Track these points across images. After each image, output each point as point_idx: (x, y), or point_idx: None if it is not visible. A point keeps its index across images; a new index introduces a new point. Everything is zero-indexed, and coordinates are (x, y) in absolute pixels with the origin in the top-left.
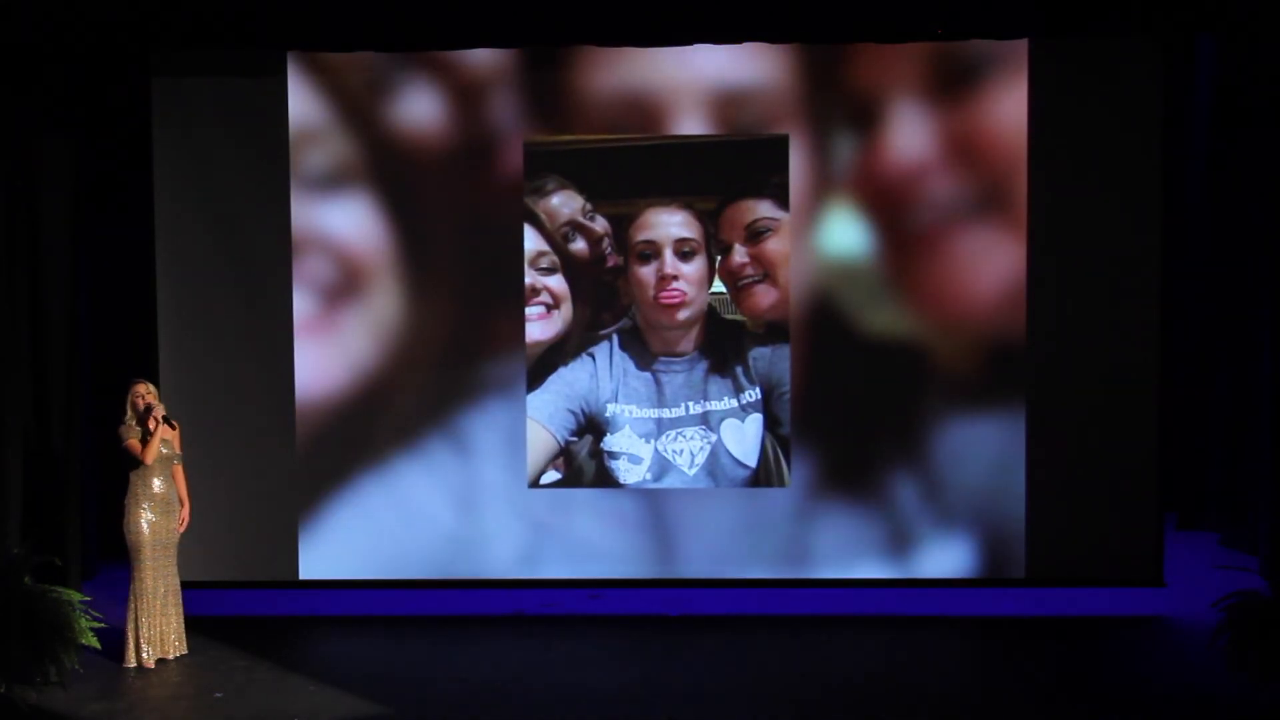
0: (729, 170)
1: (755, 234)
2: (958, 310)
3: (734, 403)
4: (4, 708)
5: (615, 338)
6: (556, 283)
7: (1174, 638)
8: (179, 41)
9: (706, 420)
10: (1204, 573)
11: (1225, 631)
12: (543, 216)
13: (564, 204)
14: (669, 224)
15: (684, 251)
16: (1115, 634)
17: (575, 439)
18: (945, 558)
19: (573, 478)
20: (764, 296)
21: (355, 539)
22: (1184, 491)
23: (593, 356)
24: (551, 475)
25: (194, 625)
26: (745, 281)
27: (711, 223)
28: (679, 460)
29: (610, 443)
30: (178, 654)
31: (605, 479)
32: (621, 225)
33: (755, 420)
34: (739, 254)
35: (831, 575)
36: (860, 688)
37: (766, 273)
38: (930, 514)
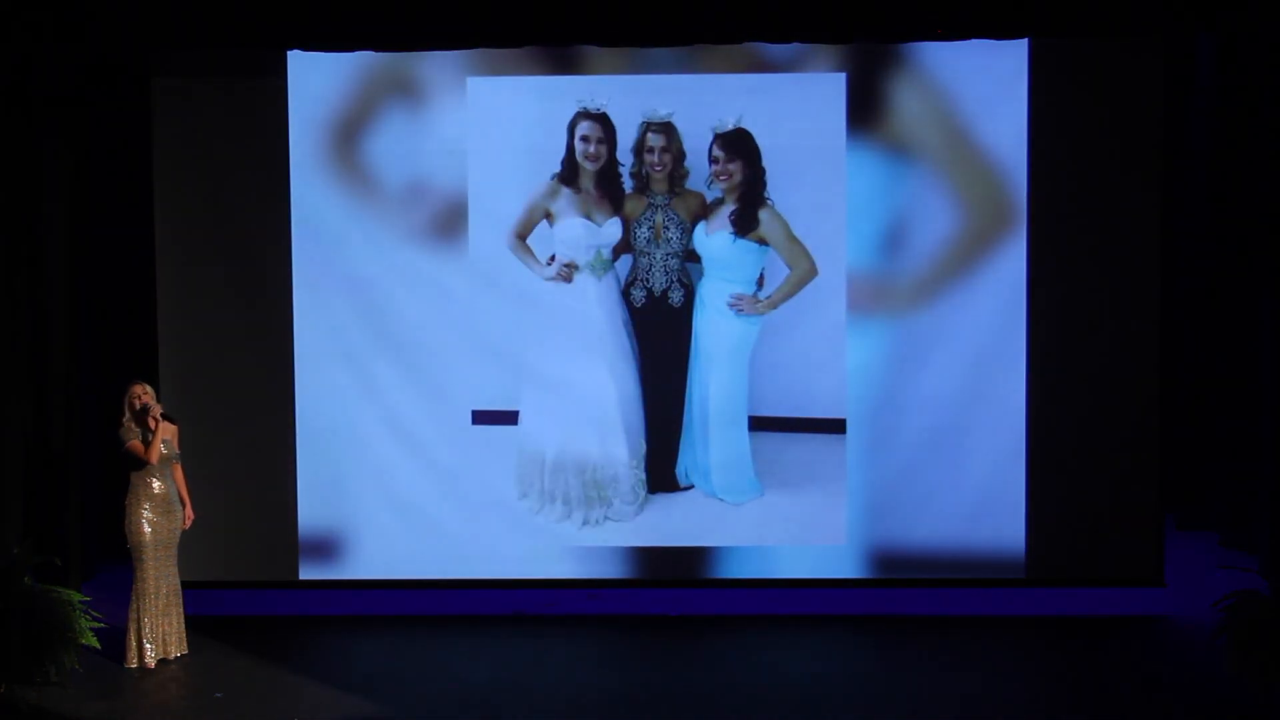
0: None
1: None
2: (957, 310)
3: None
4: (4, 708)
5: None
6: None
7: (1174, 638)
8: (179, 41)
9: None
10: (1204, 573)
11: (1225, 631)
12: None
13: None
14: None
15: None
16: (1115, 634)
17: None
18: (945, 558)
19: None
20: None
21: (355, 539)
22: (1184, 491)
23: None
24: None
25: (194, 625)
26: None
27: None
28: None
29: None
30: (179, 654)
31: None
32: None
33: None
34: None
35: (830, 575)
36: (859, 688)
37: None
38: (930, 514)
